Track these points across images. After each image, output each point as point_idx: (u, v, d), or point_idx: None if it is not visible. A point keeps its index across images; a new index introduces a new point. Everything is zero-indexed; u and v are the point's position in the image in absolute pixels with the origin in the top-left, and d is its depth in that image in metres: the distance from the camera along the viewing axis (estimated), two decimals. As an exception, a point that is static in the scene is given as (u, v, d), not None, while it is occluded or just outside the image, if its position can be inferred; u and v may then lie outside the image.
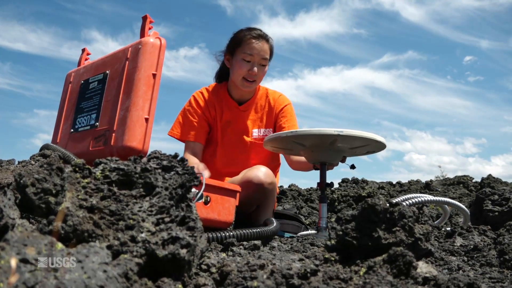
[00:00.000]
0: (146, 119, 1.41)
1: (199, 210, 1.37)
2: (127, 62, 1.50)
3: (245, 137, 2.21)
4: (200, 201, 1.39)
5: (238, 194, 1.55)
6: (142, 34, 1.53)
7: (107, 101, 1.53)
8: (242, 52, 2.14)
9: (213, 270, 0.78)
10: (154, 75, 1.46)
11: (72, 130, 1.67)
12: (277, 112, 2.26)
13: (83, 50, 1.91)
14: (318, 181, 1.87)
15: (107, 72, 1.58)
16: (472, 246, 1.39)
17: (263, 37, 2.16)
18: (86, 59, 1.90)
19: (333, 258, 0.80)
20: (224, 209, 1.47)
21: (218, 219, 1.45)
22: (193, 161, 2.00)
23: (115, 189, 0.74)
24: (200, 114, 2.20)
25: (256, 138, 2.22)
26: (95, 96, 1.60)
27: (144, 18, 1.54)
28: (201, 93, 2.27)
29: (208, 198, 1.42)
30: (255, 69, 2.13)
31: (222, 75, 2.31)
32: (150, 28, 1.55)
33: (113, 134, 1.42)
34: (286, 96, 2.34)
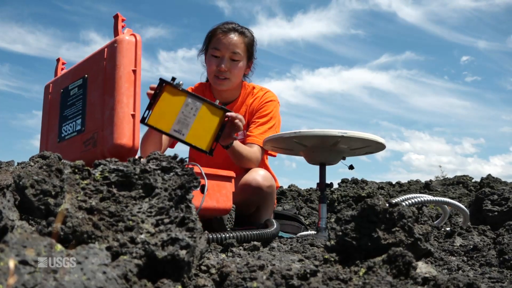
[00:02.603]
0: (133, 115, 1.41)
1: (197, 200, 1.35)
2: (105, 62, 1.49)
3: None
4: (197, 189, 1.37)
5: (233, 180, 1.53)
6: (116, 33, 1.53)
7: (90, 104, 1.53)
8: (211, 47, 2.02)
9: (213, 271, 0.78)
10: (134, 71, 1.46)
11: (58, 139, 1.66)
12: (257, 108, 2.09)
13: (58, 60, 1.90)
14: (318, 181, 1.87)
15: (86, 76, 1.58)
16: (471, 246, 1.39)
17: (235, 30, 2.01)
18: (62, 69, 1.89)
19: (332, 259, 0.80)
20: (221, 196, 1.46)
21: (217, 206, 1.44)
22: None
23: (115, 190, 0.74)
24: None
25: (241, 140, 2.07)
26: (78, 102, 1.60)
27: (116, 17, 1.54)
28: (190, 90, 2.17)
29: (205, 186, 1.40)
30: (223, 65, 1.96)
31: None
32: (123, 26, 1.55)
33: (102, 135, 1.42)
34: (272, 93, 2.15)
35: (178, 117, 1.44)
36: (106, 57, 1.50)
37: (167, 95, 1.44)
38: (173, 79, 1.43)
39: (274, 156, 2.24)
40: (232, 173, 1.53)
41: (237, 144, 1.82)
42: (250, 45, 2.07)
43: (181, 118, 1.44)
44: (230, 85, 2.04)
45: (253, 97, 2.12)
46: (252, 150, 1.96)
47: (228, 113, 1.49)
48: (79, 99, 1.59)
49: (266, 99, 2.10)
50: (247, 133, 2.06)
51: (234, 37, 2.00)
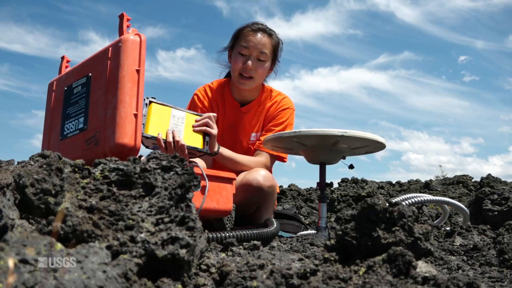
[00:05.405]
0: (135, 115, 1.41)
1: (197, 200, 1.36)
2: (109, 61, 1.50)
3: (243, 140, 2.12)
4: (197, 190, 1.39)
5: (233, 182, 1.54)
6: (121, 32, 1.53)
7: (93, 102, 1.53)
8: (238, 45, 2.04)
9: (213, 270, 0.78)
10: (138, 71, 1.46)
11: (61, 137, 1.67)
12: (273, 114, 2.14)
13: (63, 58, 1.90)
14: (318, 181, 1.87)
15: (90, 74, 1.58)
16: (471, 246, 1.39)
17: (264, 30, 2.05)
18: (66, 67, 1.90)
19: (332, 258, 0.80)
20: (222, 197, 1.47)
21: (217, 208, 1.45)
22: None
23: (115, 189, 0.74)
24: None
25: (253, 142, 2.13)
26: (81, 100, 1.60)
27: (121, 17, 1.54)
28: (204, 90, 2.16)
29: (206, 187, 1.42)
30: (250, 62, 1.99)
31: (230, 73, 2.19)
32: (128, 26, 1.55)
33: (104, 134, 1.42)
34: (289, 99, 2.19)
35: (170, 127, 1.65)
36: (110, 56, 1.51)
37: (155, 112, 1.62)
38: (153, 98, 1.65)
39: (285, 161, 2.19)
40: (233, 175, 1.54)
41: (224, 151, 1.88)
42: (276, 48, 2.11)
43: (173, 127, 1.66)
44: (253, 85, 2.07)
45: (271, 101, 2.16)
46: (253, 158, 2.02)
47: (196, 124, 1.67)
48: (82, 97, 1.60)
49: (282, 106, 2.15)
50: (260, 138, 2.08)
51: (262, 37, 2.04)
